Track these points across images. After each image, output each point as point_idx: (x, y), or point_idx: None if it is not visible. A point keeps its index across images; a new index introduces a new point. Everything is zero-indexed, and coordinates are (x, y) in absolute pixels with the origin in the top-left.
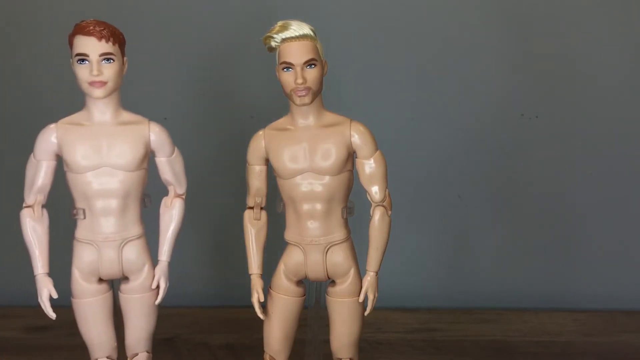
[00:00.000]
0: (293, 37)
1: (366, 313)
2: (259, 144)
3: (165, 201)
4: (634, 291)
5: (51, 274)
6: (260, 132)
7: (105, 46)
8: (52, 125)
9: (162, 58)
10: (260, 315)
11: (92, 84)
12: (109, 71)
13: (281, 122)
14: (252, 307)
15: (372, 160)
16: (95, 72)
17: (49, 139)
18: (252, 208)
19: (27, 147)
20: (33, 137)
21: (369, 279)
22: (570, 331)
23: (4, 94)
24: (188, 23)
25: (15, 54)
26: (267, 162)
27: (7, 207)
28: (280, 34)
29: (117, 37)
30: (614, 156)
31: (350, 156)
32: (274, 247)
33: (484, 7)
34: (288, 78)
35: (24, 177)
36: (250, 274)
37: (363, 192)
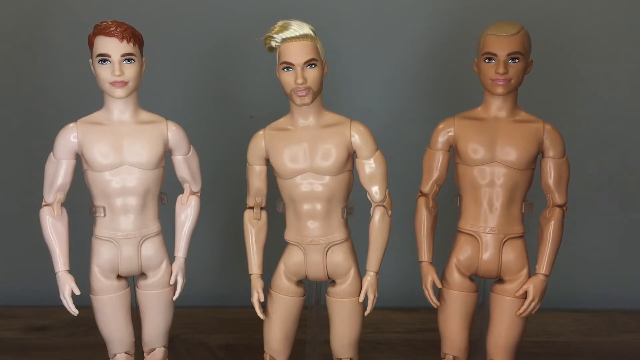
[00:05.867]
0: (293, 37)
1: (366, 313)
2: (259, 143)
3: (181, 198)
4: (634, 291)
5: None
6: (260, 132)
7: (126, 47)
8: (72, 125)
9: (161, 58)
10: (261, 315)
11: (113, 83)
12: (130, 71)
13: (281, 122)
14: (252, 307)
15: (372, 160)
16: (117, 73)
17: (69, 138)
18: (252, 208)
19: (23, 149)
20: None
21: (369, 279)
22: (570, 331)
23: (17, 94)
24: (187, 23)
25: (28, 54)
26: (267, 162)
27: (7, 208)
28: (280, 34)
29: (137, 38)
30: (614, 156)
31: (351, 156)
32: (274, 247)
33: (484, 8)
34: (288, 78)
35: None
36: (250, 274)
37: (363, 192)
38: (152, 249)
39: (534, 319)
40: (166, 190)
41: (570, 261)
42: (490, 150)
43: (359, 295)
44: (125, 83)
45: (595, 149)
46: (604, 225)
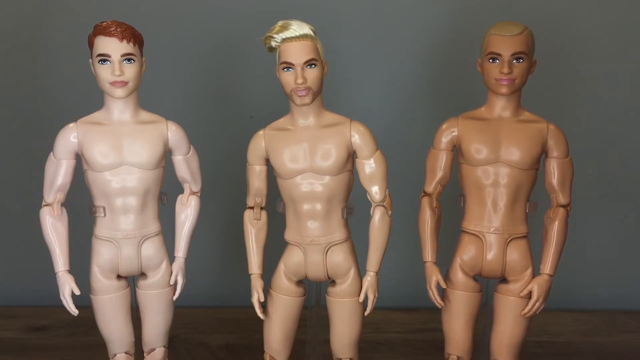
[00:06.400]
0: (293, 37)
1: (366, 313)
2: (259, 143)
3: (181, 198)
4: (634, 291)
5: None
6: (261, 132)
7: (126, 47)
8: (72, 125)
9: (161, 58)
10: (261, 315)
11: (113, 83)
12: (130, 71)
13: (281, 122)
14: (252, 307)
15: (372, 160)
16: (117, 73)
17: (69, 138)
18: (252, 208)
19: (23, 149)
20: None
21: (369, 279)
22: (570, 331)
23: (17, 94)
24: (187, 23)
25: (28, 54)
26: (267, 162)
27: (7, 208)
28: (280, 34)
29: (137, 38)
30: (614, 156)
31: (350, 156)
32: (274, 247)
33: (484, 8)
34: (288, 78)
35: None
36: (250, 274)
37: (363, 192)
38: (152, 249)
39: (534, 318)
40: (166, 190)
41: (570, 261)
42: (494, 150)
43: (359, 295)
44: (125, 83)
45: (595, 149)
46: (604, 225)
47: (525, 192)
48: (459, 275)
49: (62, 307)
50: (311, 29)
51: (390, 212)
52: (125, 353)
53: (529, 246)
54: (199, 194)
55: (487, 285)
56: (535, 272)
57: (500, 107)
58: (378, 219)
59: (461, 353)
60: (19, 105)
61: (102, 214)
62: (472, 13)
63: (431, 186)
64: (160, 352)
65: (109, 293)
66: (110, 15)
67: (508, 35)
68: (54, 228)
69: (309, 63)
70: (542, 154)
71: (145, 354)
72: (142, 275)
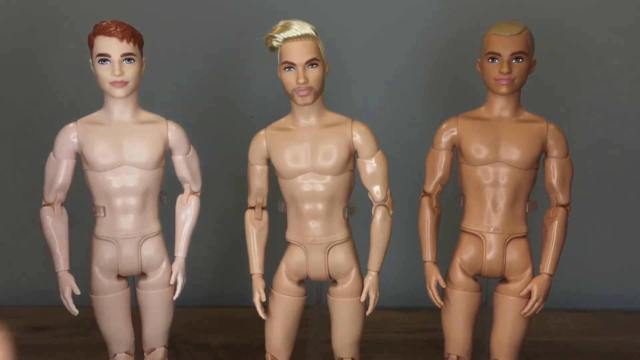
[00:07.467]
0: (295, 36)
1: (367, 313)
2: (260, 143)
3: (181, 198)
4: (634, 291)
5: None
6: (262, 132)
7: (126, 47)
8: (72, 125)
9: (161, 58)
10: (262, 315)
11: (113, 83)
12: (130, 71)
13: (282, 122)
14: (252, 307)
15: (373, 160)
16: (117, 72)
17: (69, 137)
18: (253, 208)
19: (23, 149)
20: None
21: (370, 278)
22: (570, 331)
23: (17, 94)
24: (188, 22)
25: (28, 54)
26: (269, 162)
27: (7, 208)
28: (281, 34)
29: (137, 38)
30: (613, 156)
31: (352, 156)
32: (276, 247)
33: (484, 7)
34: (290, 78)
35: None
36: (251, 274)
37: (364, 192)
38: (152, 248)
39: (533, 318)
40: (166, 190)
41: (570, 261)
42: (494, 150)
43: (360, 295)
44: (125, 83)
45: (595, 148)
46: (604, 225)
47: (525, 192)
48: (458, 275)
49: (62, 307)
50: (313, 29)
51: (391, 212)
52: (126, 353)
53: (528, 246)
54: (199, 194)
55: (487, 285)
56: (535, 272)
57: (499, 106)
58: (379, 218)
59: (461, 353)
60: (19, 105)
61: (102, 214)
62: (472, 13)
63: (431, 186)
64: (160, 352)
65: (109, 293)
66: (110, 15)
67: (507, 35)
68: (54, 228)
69: (311, 63)
70: (542, 153)
71: (145, 354)
72: (142, 275)
